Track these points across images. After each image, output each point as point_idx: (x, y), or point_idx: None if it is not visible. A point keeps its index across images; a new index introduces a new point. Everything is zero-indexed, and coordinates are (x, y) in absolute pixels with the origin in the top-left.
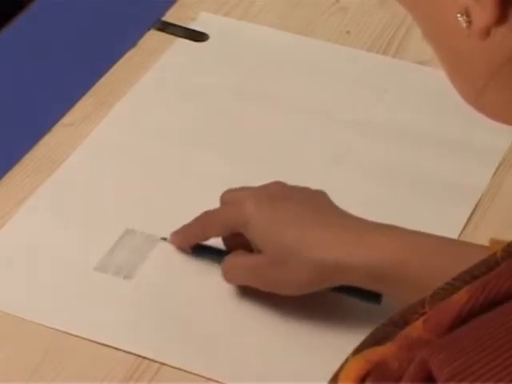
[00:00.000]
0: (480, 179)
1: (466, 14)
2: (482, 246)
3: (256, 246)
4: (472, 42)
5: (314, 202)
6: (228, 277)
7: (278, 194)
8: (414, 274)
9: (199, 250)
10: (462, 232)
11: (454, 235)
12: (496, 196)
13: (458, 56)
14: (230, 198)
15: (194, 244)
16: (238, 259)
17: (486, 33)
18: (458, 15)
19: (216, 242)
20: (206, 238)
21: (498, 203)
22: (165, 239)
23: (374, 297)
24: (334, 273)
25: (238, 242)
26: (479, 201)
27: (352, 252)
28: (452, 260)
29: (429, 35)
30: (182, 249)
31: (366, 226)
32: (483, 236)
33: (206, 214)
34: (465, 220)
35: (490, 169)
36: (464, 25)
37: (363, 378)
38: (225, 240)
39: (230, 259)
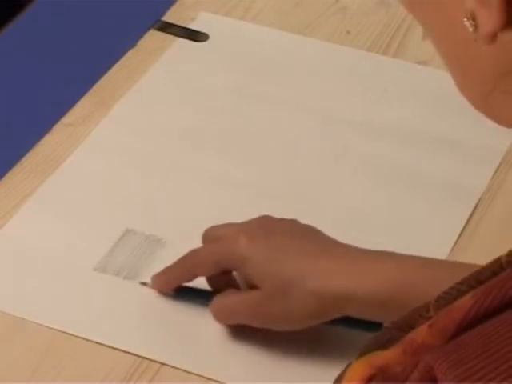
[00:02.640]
0: (480, 179)
1: (473, 18)
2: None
3: (248, 283)
4: (478, 47)
5: (305, 233)
6: (221, 317)
7: (268, 227)
8: (414, 297)
9: (182, 293)
10: (462, 232)
11: (453, 235)
12: (496, 196)
13: (464, 60)
14: (217, 235)
15: (178, 285)
16: (231, 298)
17: (493, 37)
18: (465, 20)
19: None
20: (193, 278)
21: (498, 203)
22: (145, 284)
23: (374, 326)
24: (338, 303)
25: (224, 281)
26: (479, 201)
27: (355, 281)
28: (453, 281)
29: (435, 40)
30: (164, 292)
31: (360, 253)
32: (483, 236)
33: (194, 253)
34: (465, 220)
35: (489, 169)
36: (470, 29)
37: (367, 382)
38: (210, 280)
39: (221, 299)
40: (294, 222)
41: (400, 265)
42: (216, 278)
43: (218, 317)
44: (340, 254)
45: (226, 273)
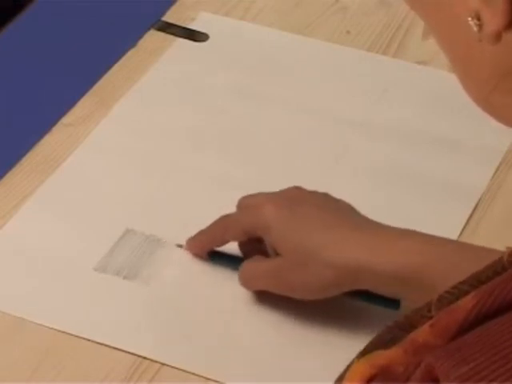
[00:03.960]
0: (480, 179)
1: (477, 17)
2: (500, 252)
3: (275, 250)
4: (483, 46)
5: (334, 206)
6: (247, 282)
7: (297, 198)
8: (435, 277)
9: (215, 256)
10: (462, 232)
11: (454, 235)
12: (496, 196)
13: (468, 59)
14: (248, 202)
15: (210, 250)
16: (257, 264)
17: (497, 37)
18: (469, 19)
19: (230, 248)
20: (224, 243)
21: (498, 203)
22: (180, 246)
23: (392, 302)
24: (356, 275)
25: (255, 249)
26: (479, 201)
27: (374, 255)
28: (473, 265)
29: (440, 38)
30: (198, 255)
31: (387, 230)
32: (483, 236)
33: (225, 219)
34: (465, 220)
35: (489, 169)
36: (475, 28)
37: (368, 382)
38: (241, 246)
39: (248, 265)
40: (324, 195)
41: (425, 244)
42: (247, 245)
43: (243, 282)
44: (363, 228)
45: (258, 240)
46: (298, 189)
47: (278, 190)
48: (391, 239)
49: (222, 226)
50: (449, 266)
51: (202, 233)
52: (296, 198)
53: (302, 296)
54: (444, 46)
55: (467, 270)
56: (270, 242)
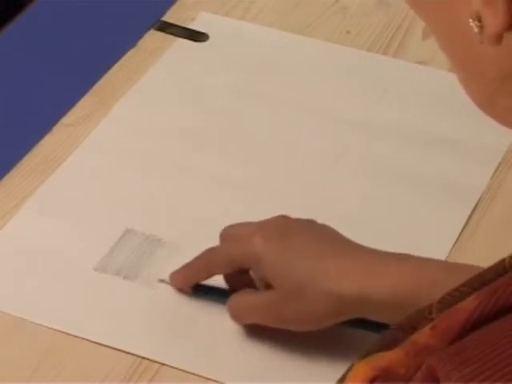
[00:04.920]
0: (480, 179)
1: (478, 19)
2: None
3: (265, 282)
4: (484, 48)
5: (322, 234)
6: (238, 316)
7: (284, 227)
8: (430, 299)
9: (199, 290)
10: (461, 232)
11: (453, 235)
12: (496, 196)
13: (469, 61)
14: (234, 233)
15: (194, 284)
16: (247, 297)
17: (498, 38)
18: (470, 21)
19: (215, 281)
20: (210, 276)
21: (498, 203)
22: (163, 281)
23: (386, 328)
24: (354, 304)
25: (241, 280)
26: (479, 201)
27: (371, 282)
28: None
29: (441, 40)
30: (182, 290)
31: (379, 255)
32: (483, 236)
33: (211, 251)
34: (465, 220)
35: (489, 169)
36: (476, 30)
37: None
38: (227, 278)
39: (237, 298)
40: (310, 223)
41: (417, 267)
42: (233, 277)
43: (234, 316)
44: (356, 255)
45: (244, 272)
46: (283, 218)
47: (262, 220)
48: (386, 265)
49: (208, 259)
50: (443, 289)
51: (186, 266)
52: (283, 228)
53: (296, 328)
54: (445, 47)
55: None
56: (260, 274)
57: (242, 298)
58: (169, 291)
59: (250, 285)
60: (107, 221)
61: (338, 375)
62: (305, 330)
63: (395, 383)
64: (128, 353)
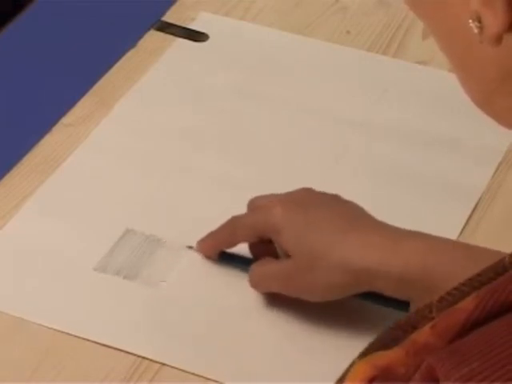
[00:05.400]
0: (480, 179)
1: (478, 20)
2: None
3: (285, 252)
4: (484, 48)
5: (344, 208)
6: (256, 284)
7: (307, 199)
8: (444, 279)
9: (225, 258)
10: (461, 232)
11: (453, 235)
12: (496, 196)
13: (469, 61)
14: (258, 204)
15: (220, 251)
16: (266, 266)
17: (498, 39)
18: (470, 21)
19: (240, 250)
20: (234, 245)
21: (498, 203)
22: (191, 247)
23: (401, 304)
24: (365, 277)
25: (265, 250)
26: (479, 201)
27: (383, 257)
28: (480, 266)
29: (440, 40)
30: (209, 256)
31: (395, 232)
32: (483, 236)
33: (234, 220)
34: (465, 220)
35: (489, 169)
36: (476, 31)
37: (369, 383)
38: (251, 247)
39: (257, 266)
40: (334, 197)
41: (432, 245)
42: (258, 247)
43: (253, 284)
44: (374, 230)
45: (268, 242)
46: (307, 190)
47: (287, 191)
48: (399, 241)
49: (232, 228)
50: (457, 267)
51: (211, 234)
52: (306, 200)
53: (310, 298)
54: (444, 48)
55: (475, 270)
56: (279, 244)
57: (262, 267)
58: (169, 291)
59: (273, 255)
60: (107, 221)
61: (338, 375)
62: (318, 300)
63: (395, 382)
64: (128, 353)
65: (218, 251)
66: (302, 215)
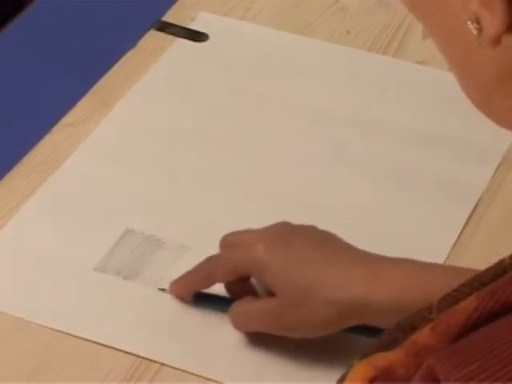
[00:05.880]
0: (480, 179)
1: (477, 21)
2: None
3: (266, 290)
4: (482, 49)
5: (325, 240)
6: (240, 324)
7: (286, 234)
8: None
9: (200, 299)
10: (461, 232)
11: (453, 235)
12: (496, 196)
13: (467, 62)
14: (235, 241)
15: (195, 292)
16: (248, 305)
17: (497, 40)
18: (469, 23)
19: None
20: (211, 284)
21: (498, 203)
22: (163, 290)
23: None
24: (356, 310)
25: (242, 288)
26: (479, 201)
27: (373, 288)
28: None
29: (439, 42)
30: (183, 298)
31: (380, 260)
32: (483, 236)
33: (212, 259)
34: (465, 220)
35: (489, 169)
36: (474, 32)
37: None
38: (228, 286)
39: (239, 306)
40: (313, 229)
41: (423, 272)
42: (234, 285)
43: (236, 324)
44: (360, 261)
45: (244, 280)
46: (285, 224)
47: (264, 227)
48: (387, 271)
49: (210, 267)
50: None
51: (187, 275)
52: (286, 235)
53: (299, 336)
54: (443, 49)
55: None
56: (263, 281)
57: (244, 306)
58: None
59: (251, 293)
60: (107, 221)
61: (339, 375)
62: (305, 337)
63: (395, 383)
64: (128, 353)
65: (193, 292)
66: (284, 251)
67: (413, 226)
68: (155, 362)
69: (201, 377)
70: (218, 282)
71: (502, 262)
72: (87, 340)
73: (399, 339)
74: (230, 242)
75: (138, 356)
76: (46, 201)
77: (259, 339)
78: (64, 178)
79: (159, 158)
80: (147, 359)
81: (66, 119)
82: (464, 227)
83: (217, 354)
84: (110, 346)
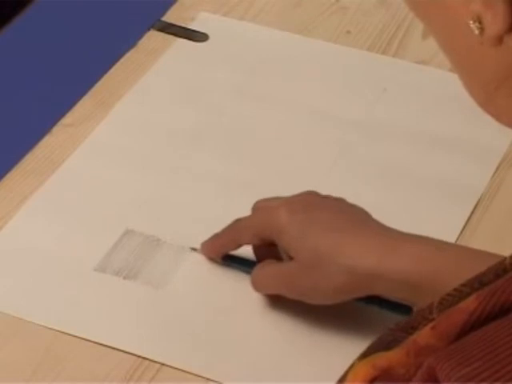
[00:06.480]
0: (480, 179)
1: (479, 21)
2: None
3: (287, 254)
4: (484, 49)
5: (348, 211)
6: (258, 286)
7: (311, 202)
8: (448, 283)
9: (229, 260)
10: (461, 232)
11: (453, 235)
12: (496, 196)
13: (470, 61)
14: (262, 206)
15: (224, 253)
16: (268, 268)
17: (498, 40)
18: (471, 22)
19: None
20: (238, 247)
21: (498, 203)
22: (195, 249)
23: (403, 308)
24: (369, 280)
25: (269, 253)
26: (479, 201)
27: (388, 260)
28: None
29: (441, 41)
30: (212, 259)
31: (400, 235)
32: (483, 236)
33: (238, 222)
34: (465, 220)
35: (490, 169)
36: (476, 32)
37: (370, 383)
38: (255, 250)
39: (260, 269)
40: (338, 200)
41: (437, 250)
42: (262, 249)
43: (255, 286)
44: (378, 233)
45: (272, 244)
46: (312, 193)
47: (292, 195)
48: (404, 245)
49: (235, 230)
50: (462, 271)
51: (215, 237)
52: (310, 203)
53: (312, 301)
54: (445, 49)
55: None
56: (282, 246)
57: (264, 269)
58: (169, 291)
59: (276, 257)
60: (107, 221)
61: (339, 375)
62: (320, 303)
63: (395, 383)
64: (128, 353)
65: (222, 254)
66: (304, 217)
67: (413, 226)
68: (155, 362)
69: (201, 377)
70: (244, 244)
71: (502, 262)
72: (87, 340)
73: (399, 339)
74: (258, 206)
75: (138, 356)
76: (45, 201)
77: (259, 339)
78: (64, 178)
79: (159, 158)
80: (147, 359)
81: (66, 119)
82: (464, 227)
83: (217, 354)
84: (109, 345)
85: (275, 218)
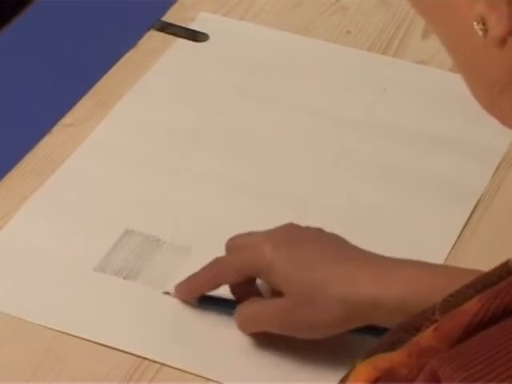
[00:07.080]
0: (480, 179)
1: (483, 22)
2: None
3: (275, 291)
4: (488, 50)
5: (331, 242)
6: (246, 325)
7: (293, 235)
8: None
9: (205, 301)
10: (461, 232)
11: (453, 235)
12: (496, 196)
13: (473, 63)
14: (242, 243)
15: (202, 294)
16: (256, 305)
17: (502, 42)
18: (475, 24)
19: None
20: (218, 286)
21: (498, 203)
22: (167, 293)
23: None
24: (363, 310)
25: (249, 291)
26: (479, 201)
27: (380, 287)
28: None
29: (445, 42)
30: (188, 301)
31: (387, 260)
32: (483, 236)
33: (218, 261)
34: (465, 220)
35: (490, 169)
36: (480, 33)
37: None
38: (233, 288)
39: (246, 307)
40: (318, 231)
41: (430, 274)
42: (239, 287)
43: (243, 326)
44: (366, 261)
45: (250, 281)
46: (292, 226)
47: (270, 228)
48: (395, 269)
49: (217, 268)
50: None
51: (192, 277)
52: (291, 236)
53: (308, 336)
54: (449, 50)
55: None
56: (270, 282)
57: (250, 308)
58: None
59: (256, 295)
60: (107, 221)
61: (340, 376)
62: (313, 337)
63: None
64: (128, 353)
65: (199, 295)
66: (291, 251)
67: (413, 226)
68: (155, 362)
69: (201, 377)
70: (224, 283)
71: (505, 263)
72: (87, 340)
73: (402, 340)
74: (236, 244)
75: (138, 356)
76: (45, 201)
77: (259, 339)
78: (64, 178)
79: (159, 158)
80: (147, 359)
81: (66, 119)
82: (464, 227)
83: (217, 354)
84: (109, 346)
85: (260, 254)
